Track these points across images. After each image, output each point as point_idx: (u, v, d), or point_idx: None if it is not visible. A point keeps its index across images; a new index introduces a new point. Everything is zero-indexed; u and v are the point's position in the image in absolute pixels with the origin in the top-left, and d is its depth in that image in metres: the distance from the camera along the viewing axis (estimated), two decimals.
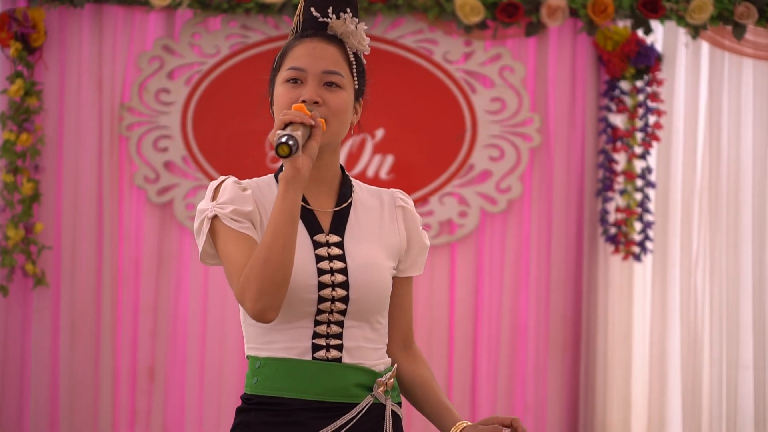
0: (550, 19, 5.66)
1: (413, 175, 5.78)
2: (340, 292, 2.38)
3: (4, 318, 5.72)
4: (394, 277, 2.49)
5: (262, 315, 2.27)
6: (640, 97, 5.78)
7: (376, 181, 5.73)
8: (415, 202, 5.71)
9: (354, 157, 5.80)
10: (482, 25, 5.68)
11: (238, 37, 5.86)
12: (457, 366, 5.80)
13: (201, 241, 2.41)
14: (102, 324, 5.76)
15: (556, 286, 5.79)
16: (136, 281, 5.81)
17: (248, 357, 2.44)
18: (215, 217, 2.38)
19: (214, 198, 2.41)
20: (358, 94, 2.46)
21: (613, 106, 5.78)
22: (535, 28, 5.70)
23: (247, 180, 2.47)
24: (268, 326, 2.38)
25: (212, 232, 2.40)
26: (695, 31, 5.70)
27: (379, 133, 5.80)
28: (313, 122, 2.28)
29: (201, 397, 5.81)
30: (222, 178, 2.44)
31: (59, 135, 5.79)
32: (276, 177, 2.48)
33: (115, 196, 5.80)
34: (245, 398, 2.44)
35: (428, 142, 5.78)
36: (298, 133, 2.25)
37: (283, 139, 2.23)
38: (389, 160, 5.80)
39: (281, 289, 2.27)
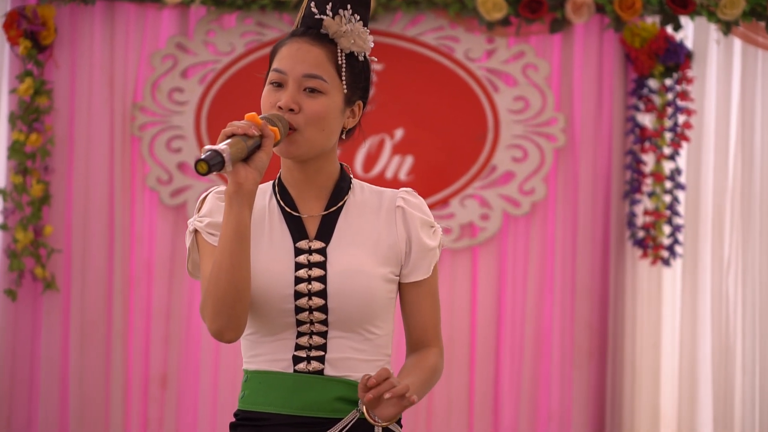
0: (575, 16, 5.59)
1: (433, 176, 5.73)
2: (317, 301, 2.31)
3: (13, 323, 5.69)
4: (400, 283, 2.39)
5: (220, 335, 2.24)
6: (669, 96, 5.72)
7: (395, 183, 5.67)
8: (436, 204, 5.68)
9: (372, 158, 5.74)
10: (505, 22, 5.62)
11: (253, 34, 5.78)
12: (479, 374, 5.75)
13: (188, 254, 2.40)
14: (113, 329, 5.71)
15: (582, 292, 5.73)
16: (149, 285, 5.76)
17: (243, 370, 2.42)
18: (196, 230, 2.36)
19: (198, 210, 2.39)
20: (353, 97, 2.36)
21: (641, 105, 5.73)
22: (559, 24, 5.64)
23: None
24: (254, 339, 2.34)
25: (198, 245, 2.37)
26: (727, 27, 5.62)
27: (398, 133, 5.75)
28: (258, 132, 2.19)
29: (215, 405, 5.75)
30: (210, 189, 2.40)
31: (70, 135, 5.74)
32: (273, 185, 2.42)
33: (127, 198, 5.76)
34: (236, 413, 2.41)
35: (449, 142, 5.72)
36: (227, 148, 2.15)
37: (203, 156, 2.13)
38: (409, 161, 5.75)
39: (235, 308, 2.21)
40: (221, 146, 2.14)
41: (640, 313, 5.73)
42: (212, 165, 2.12)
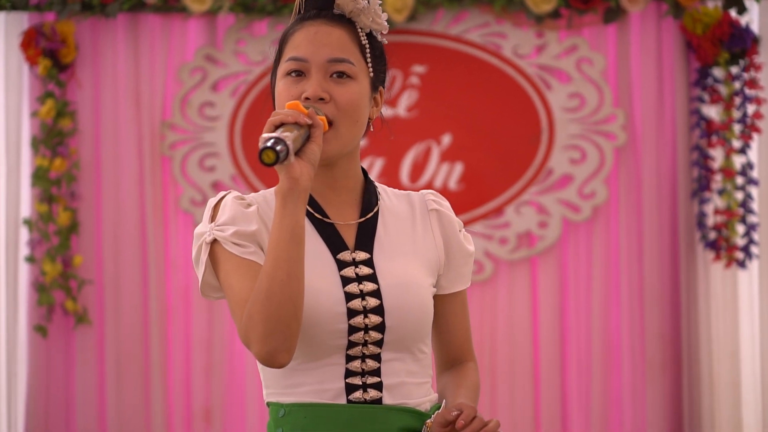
0: (630, 4, 5.49)
1: (485, 183, 5.62)
2: (374, 318, 2.15)
3: (45, 361, 5.59)
4: (435, 296, 2.25)
5: (272, 359, 2.05)
6: (736, 85, 5.59)
7: (445, 193, 5.45)
8: (489, 213, 5.61)
9: (419, 166, 5.63)
10: (555, 14, 5.52)
11: None
12: (545, 393, 5.63)
13: (200, 270, 2.17)
14: (151, 363, 5.62)
15: (651, 300, 5.60)
16: (187, 314, 5.64)
17: (269, 404, 2.21)
18: (215, 241, 2.15)
19: (213, 219, 2.18)
20: (376, 82, 2.23)
21: (706, 97, 5.60)
22: (614, 14, 5.54)
23: (252, 194, 2.23)
24: (293, 366, 2.15)
25: (213, 259, 2.16)
26: None
27: (446, 139, 5.64)
28: (309, 121, 2.06)
29: None
30: (222, 194, 2.21)
31: (96, 158, 5.65)
32: None
33: (159, 222, 5.64)
34: None
35: (500, 146, 5.62)
36: (290, 135, 2.02)
37: (269, 143, 1.98)
38: (458, 168, 5.64)
39: (291, 326, 2.04)
40: (283, 134, 2.01)
41: (715, 321, 5.62)
42: (279, 153, 1.97)
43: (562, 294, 5.64)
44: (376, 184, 2.28)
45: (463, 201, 5.50)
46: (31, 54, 5.49)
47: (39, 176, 5.51)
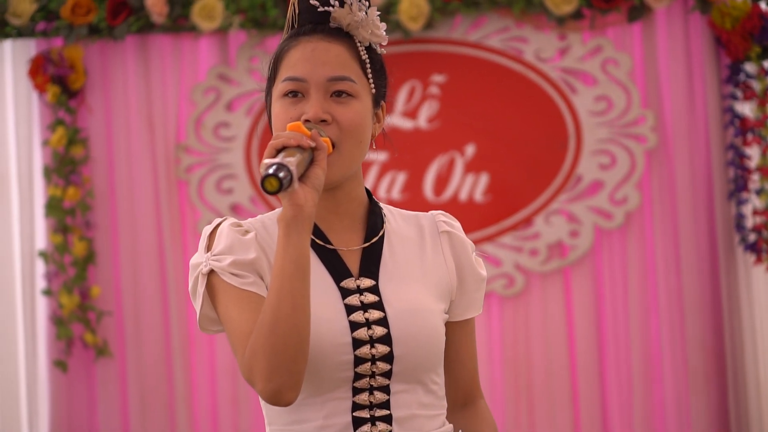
0: (655, 0, 5.42)
1: (513, 193, 5.56)
2: (382, 348, 2.08)
3: (66, 396, 5.54)
4: (447, 323, 2.18)
5: (278, 397, 1.98)
6: None
7: (470, 205, 5.52)
8: (518, 224, 5.54)
9: (443, 179, 5.54)
10: (577, 15, 5.46)
11: None
12: (584, 410, 5.55)
13: (198, 303, 2.10)
14: (176, 394, 5.55)
15: (691, 308, 5.54)
16: (211, 342, 5.58)
17: None
18: (211, 272, 2.08)
19: (209, 248, 2.11)
20: (378, 97, 2.17)
21: (739, 93, 5.53)
22: (638, 11, 5.48)
23: (250, 219, 2.17)
24: (297, 400, 2.07)
25: (210, 291, 2.09)
26: None
27: (470, 149, 5.57)
28: (313, 144, 1.99)
29: None
30: (217, 221, 2.14)
31: (110, 186, 5.61)
32: None
33: (178, 249, 5.59)
34: None
35: (526, 154, 5.57)
36: (293, 160, 1.95)
37: (271, 170, 1.91)
38: (483, 179, 5.56)
39: (297, 361, 1.97)
40: (286, 159, 1.93)
41: (759, 327, 5.56)
42: (283, 180, 1.90)
43: (598, 305, 5.58)
44: (382, 205, 2.22)
45: (491, 213, 5.46)
46: (40, 81, 5.43)
47: (52, 206, 5.45)
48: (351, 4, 2.11)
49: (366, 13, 2.12)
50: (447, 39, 5.53)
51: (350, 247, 2.15)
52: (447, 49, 5.51)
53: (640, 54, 5.58)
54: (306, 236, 1.97)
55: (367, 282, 2.12)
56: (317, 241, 2.12)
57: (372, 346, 2.07)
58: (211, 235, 2.11)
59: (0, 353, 5.53)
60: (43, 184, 5.52)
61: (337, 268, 2.12)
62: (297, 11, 2.15)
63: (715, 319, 5.55)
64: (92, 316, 5.48)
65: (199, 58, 5.61)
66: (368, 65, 2.13)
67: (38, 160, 5.54)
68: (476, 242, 5.43)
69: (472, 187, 5.54)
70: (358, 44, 2.13)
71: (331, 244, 2.14)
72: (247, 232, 2.10)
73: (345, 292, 2.10)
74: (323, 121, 2.06)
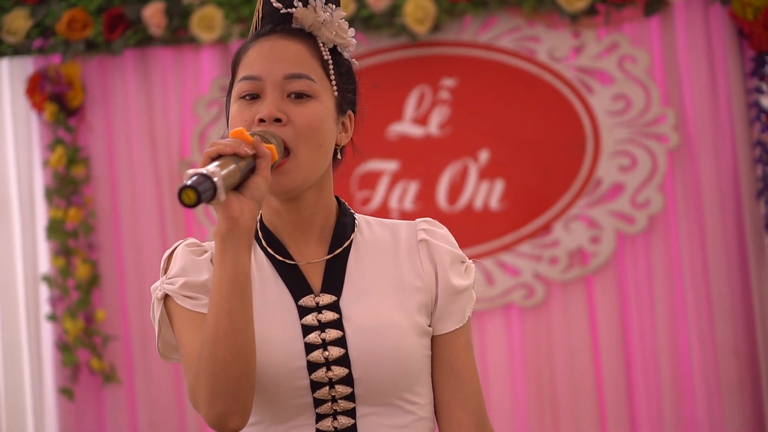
0: None
1: (530, 200, 5.47)
2: (339, 371, 2.00)
3: (74, 425, 5.50)
4: (433, 337, 2.09)
5: (223, 423, 1.88)
6: None
7: (486, 213, 5.44)
8: (537, 231, 5.44)
9: (457, 187, 5.46)
10: (591, 11, 5.38)
11: None
12: (612, 425, 5.43)
13: (157, 329, 2.06)
14: (187, 419, 5.49)
15: (721, 314, 5.42)
16: None
17: None
18: (167, 296, 2.03)
19: (166, 271, 2.06)
20: (343, 104, 2.08)
21: (765, 87, 5.42)
22: (655, 5, 5.39)
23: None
24: (260, 429, 2.02)
25: (169, 315, 2.03)
26: None
27: (484, 155, 5.48)
28: (252, 151, 1.87)
29: None
30: (177, 243, 2.08)
31: (113, 205, 5.57)
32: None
33: None
34: None
35: (543, 158, 5.49)
36: (219, 171, 1.81)
37: (189, 181, 1.77)
38: (499, 186, 5.48)
39: (241, 385, 1.88)
40: (211, 168, 1.80)
41: None
42: (202, 193, 1.77)
43: (623, 314, 5.48)
44: (357, 216, 2.15)
45: (507, 220, 5.36)
46: (37, 100, 5.38)
47: (54, 228, 5.40)
48: (315, 6, 2.05)
49: (331, 14, 2.06)
50: (456, 41, 5.46)
51: (312, 260, 2.07)
52: (456, 52, 5.43)
53: (659, 49, 5.49)
54: (244, 251, 1.87)
55: (327, 298, 2.04)
56: (277, 256, 2.05)
57: (328, 369, 2.00)
58: (169, 258, 2.07)
59: (6, 381, 5.48)
60: (44, 206, 5.48)
61: (298, 285, 2.05)
62: (261, 15, 2.09)
63: (747, 325, 5.44)
64: (98, 340, 5.43)
65: (201, 70, 5.57)
66: (331, 66, 2.06)
67: (39, 181, 5.52)
68: (493, 251, 5.32)
69: (487, 194, 5.47)
70: (321, 45, 2.06)
71: (292, 259, 2.06)
72: (204, 251, 2.04)
73: (303, 311, 2.03)
74: (278, 120, 1.98)
